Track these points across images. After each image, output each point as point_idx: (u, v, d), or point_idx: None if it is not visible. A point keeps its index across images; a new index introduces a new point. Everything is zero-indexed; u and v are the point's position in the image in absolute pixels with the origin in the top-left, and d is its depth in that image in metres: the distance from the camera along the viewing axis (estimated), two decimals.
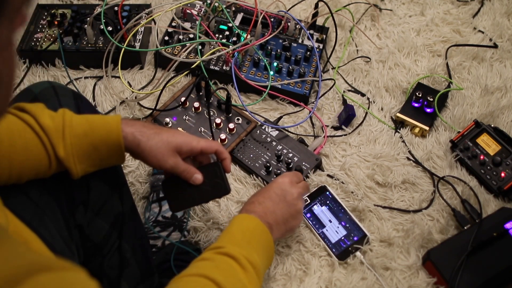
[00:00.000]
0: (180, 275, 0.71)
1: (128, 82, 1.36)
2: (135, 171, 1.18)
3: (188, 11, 1.43)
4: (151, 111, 1.26)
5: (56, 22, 1.38)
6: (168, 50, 1.34)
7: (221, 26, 1.42)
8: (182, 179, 0.88)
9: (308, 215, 1.11)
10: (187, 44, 1.33)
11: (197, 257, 0.77)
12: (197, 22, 1.36)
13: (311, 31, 1.44)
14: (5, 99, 0.47)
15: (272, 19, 1.41)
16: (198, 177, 0.88)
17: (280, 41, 1.39)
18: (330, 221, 1.10)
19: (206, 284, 0.69)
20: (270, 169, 1.17)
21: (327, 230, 1.09)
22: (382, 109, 1.34)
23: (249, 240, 0.82)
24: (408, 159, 1.23)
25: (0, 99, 0.46)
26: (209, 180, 0.89)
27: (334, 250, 1.06)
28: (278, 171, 1.15)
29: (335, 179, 1.17)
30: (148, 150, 0.82)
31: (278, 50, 1.35)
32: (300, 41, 1.42)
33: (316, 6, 1.42)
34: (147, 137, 0.82)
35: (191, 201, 0.91)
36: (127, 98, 1.31)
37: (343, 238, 1.08)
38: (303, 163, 1.18)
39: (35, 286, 0.43)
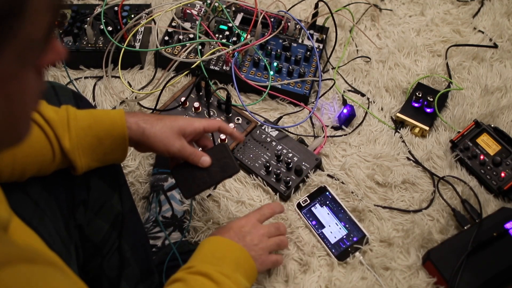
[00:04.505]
0: None
1: (128, 82, 1.36)
2: (135, 171, 1.18)
3: (188, 11, 1.43)
4: (151, 111, 1.26)
5: (56, 22, 1.38)
6: (168, 50, 1.34)
7: (221, 26, 1.42)
8: (191, 164, 0.89)
9: (308, 215, 1.11)
10: (187, 44, 1.33)
11: (170, 278, 0.78)
12: (197, 22, 1.36)
13: (311, 31, 1.44)
14: (3, 134, 0.46)
15: (272, 19, 1.41)
16: (206, 159, 0.89)
17: (280, 41, 1.39)
18: (329, 221, 1.10)
19: None
20: (270, 169, 1.17)
21: (326, 231, 1.09)
22: (382, 109, 1.34)
23: (220, 256, 0.82)
24: (408, 159, 1.23)
25: None
26: (217, 161, 0.90)
27: (333, 250, 1.06)
28: (278, 171, 1.15)
29: (335, 179, 1.17)
30: (153, 136, 0.83)
31: (278, 50, 1.35)
32: (300, 41, 1.42)
33: (316, 6, 1.42)
34: (150, 124, 0.84)
35: (202, 184, 0.91)
36: (127, 98, 1.31)
37: (342, 238, 1.08)
38: (303, 163, 1.18)
39: (12, 275, 0.43)
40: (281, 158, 1.18)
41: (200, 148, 0.95)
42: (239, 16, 1.45)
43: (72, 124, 0.77)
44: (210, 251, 0.84)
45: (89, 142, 0.79)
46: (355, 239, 1.08)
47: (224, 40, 1.36)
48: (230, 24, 1.41)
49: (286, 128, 1.26)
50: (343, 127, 1.27)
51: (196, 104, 1.25)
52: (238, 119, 1.26)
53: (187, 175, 0.90)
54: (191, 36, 1.37)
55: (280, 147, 1.21)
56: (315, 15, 1.43)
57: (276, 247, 0.96)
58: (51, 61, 0.46)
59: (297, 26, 1.44)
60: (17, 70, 0.43)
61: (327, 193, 1.14)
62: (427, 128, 1.27)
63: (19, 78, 0.43)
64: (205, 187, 0.93)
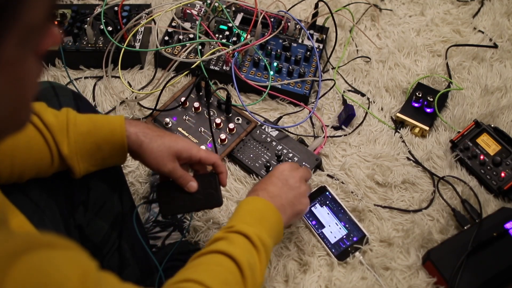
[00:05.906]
0: (197, 253, 0.74)
1: (128, 82, 1.36)
2: (135, 171, 1.18)
3: (188, 11, 1.43)
4: (151, 111, 1.26)
5: (56, 22, 1.38)
6: (168, 50, 1.34)
7: (221, 26, 1.42)
8: (177, 185, 0.88)
9: (308, 215, 1.11)
10: (187, 44, 1.33)
11: (211, 238, 0.79)
12: (197, 22, 1.36)
13: (311, 31, 1.44)
14: (6, 120, 0.46)
15: (272, 19, 1.41)
16: (193, 184, 0.88)
17: (280, 41, 1.39)
18: (329, 221, 1.10)
19: (222, 259, 0.71)
20: (270, 169, 1.17)
21: (326, 231, 1.09)
22: (382, 109, 1.34)
23: (259, 218, 0.82)
24: (408, 159, 1.23)
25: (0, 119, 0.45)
26: (203, 189, 0.89)
27: (333, 250, 1.06)
28: None
29: (335, 179, 1.17)
30: (149, 152, 0.83)
31: (278, 50, 1.35)
32: (300, 41, 1.42)
33: (316, 6, 1.42)
34: (149, 139, 0.83)
35: (182, 207, 0.91)
36: (127, 98, 1.31)
37: (342, 238, 1.08)
38: (303, 163, 1.18)
39: (34, 261, 0.43)
40: (281, 158, 1.18)
41: (191, 170, 0.93)
42: (239, 16, 1.45)
43: (71, 130, 0.77)
44: (248, 211, 0.84)
45: (87, 147, 0.78)
46: (355, 239, 1.08)
47: (224, 40, 1.36)
48: (230, 24, 1.41)
49: (286, 128, 1.26)
50: (343, 127, 1.27)
51: (196, 104, 1.25)
52: (238, 119, 1.26)
53: (171, 194, 0.90)
54: (191, 36, 1.37)
55: (280, 147, 1.21)
56: (315, 15, 1.43)
57: (309, 190, 0.99)
58: (49, 46, 0.46)
59: (297, 26, 1.44)
60: (19, 56, 0.44)
61: (327, 193, 1.14)
62: (427, 128, 1.27)
63: (21, 64, 0.44)
64: (184, 211, 0.94)
